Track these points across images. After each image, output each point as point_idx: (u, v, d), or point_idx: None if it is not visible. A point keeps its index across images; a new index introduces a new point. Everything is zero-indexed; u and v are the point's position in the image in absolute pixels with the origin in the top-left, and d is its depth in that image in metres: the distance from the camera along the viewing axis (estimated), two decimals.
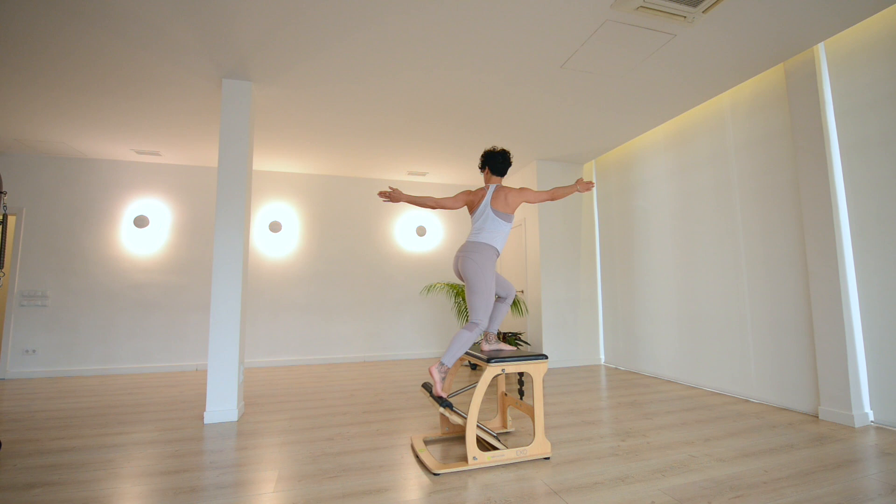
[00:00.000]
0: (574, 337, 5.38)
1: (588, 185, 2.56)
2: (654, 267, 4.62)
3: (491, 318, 2.65)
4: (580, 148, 5.08)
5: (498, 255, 2.54)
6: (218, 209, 3.32)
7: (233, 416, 3.18)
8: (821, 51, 3.07)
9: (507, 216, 2.53)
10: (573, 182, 5.62)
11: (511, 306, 5.28)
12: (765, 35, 2.89)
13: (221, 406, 3.18)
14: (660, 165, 4.56)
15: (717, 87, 3.60)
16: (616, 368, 5.09)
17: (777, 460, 2.30)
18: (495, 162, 2.66)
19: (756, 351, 3.49)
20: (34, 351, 4.92)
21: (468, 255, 2.50)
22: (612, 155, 5.29)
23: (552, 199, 2.56)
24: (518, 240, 5.98)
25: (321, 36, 2.86)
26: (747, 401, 3.50)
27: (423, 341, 6.20)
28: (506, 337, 5.15)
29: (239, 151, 3.41)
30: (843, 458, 2.31)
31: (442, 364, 2.42)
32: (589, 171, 5.72)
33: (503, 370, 2.33)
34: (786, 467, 2.21)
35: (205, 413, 3.14)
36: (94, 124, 4.26)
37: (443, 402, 2.35)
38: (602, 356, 5.46)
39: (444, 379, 2.43)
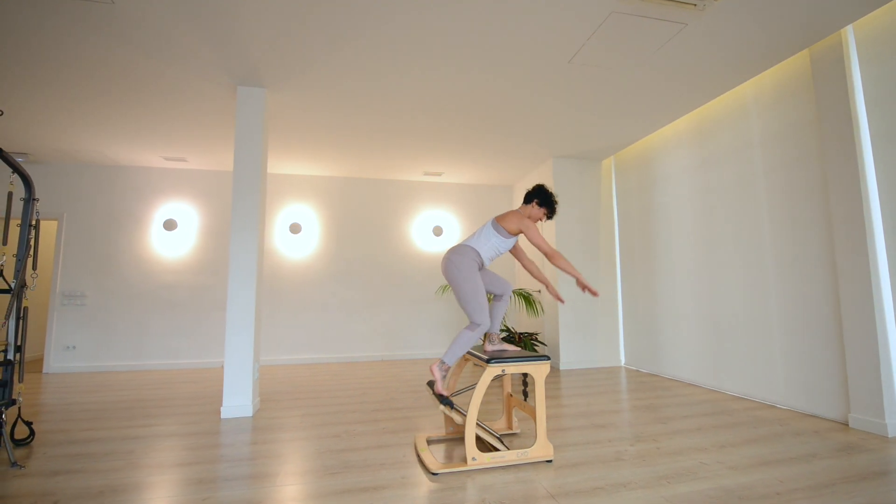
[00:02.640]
0: (593, 338, 5.26)
1: (591, 290, 2.38)
2: (675, 266, 4.45)
3: (490, 318, 2.62)
4: (596, 144, 4.96)
5: (480, 259, 2.50)
6: (233, 212, 3.44)
7: (248, 411, 3.29)
8: (849, 34, 2.87)
9: (501, 230, 2.51)
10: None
11: (527, 306, 5.22)
12: (786, 20, 2.73)
13: (237, 402, 3.29)
14: (681, 161, 4.39)
15: (736, 77, 3.43)
16: (637, 371, 4.94)
17: (796, 470, 2.17)
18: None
19: (782, 354, 3.31)
20: (74, 347, 5.24)
21: (449, 255, 2.51)
22: (631, 151, 5.13)
23: (550, 257, 2.35)
24: None
25: (329, 41, 2.91)
26: (773, 406, 3.32)
27: (440, 340, 6.21)
28: (521, 337, 5.09)
29: (253, 156, 3.52)
30: (871, 469, 2.16)
31: (443, 362, 2.42)
32: (608, 168, 5.57)
33: (503, 371, 2.31)
34: (804, 478, 2.08)
35: (221, 408, 3.26)
36: (125, 133, 4.50)
37: (443, 399, 2.35)
38: (622, 358, 5.31)
39: (445, 377, 2.43)
